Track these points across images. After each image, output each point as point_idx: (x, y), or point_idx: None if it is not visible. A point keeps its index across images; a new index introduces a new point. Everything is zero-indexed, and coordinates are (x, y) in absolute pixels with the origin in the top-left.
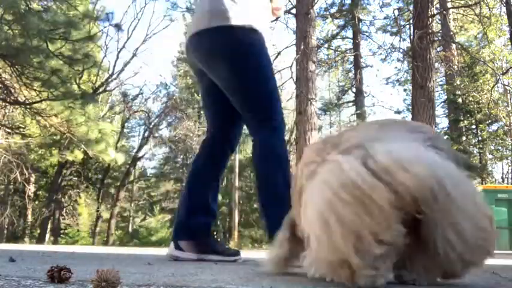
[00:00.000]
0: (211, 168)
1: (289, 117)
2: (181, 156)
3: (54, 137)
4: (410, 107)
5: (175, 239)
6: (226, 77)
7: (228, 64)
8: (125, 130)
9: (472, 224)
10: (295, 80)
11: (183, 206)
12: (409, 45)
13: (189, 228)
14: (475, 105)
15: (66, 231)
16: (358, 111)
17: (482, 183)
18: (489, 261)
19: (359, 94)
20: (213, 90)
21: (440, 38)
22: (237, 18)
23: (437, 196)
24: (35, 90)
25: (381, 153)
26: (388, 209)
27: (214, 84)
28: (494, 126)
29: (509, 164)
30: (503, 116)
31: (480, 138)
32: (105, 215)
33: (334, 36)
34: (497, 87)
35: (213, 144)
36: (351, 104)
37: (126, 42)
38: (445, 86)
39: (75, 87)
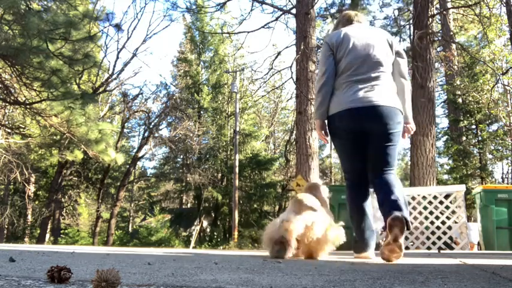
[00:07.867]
0: None
1: (290, 117)
2: (181, 156)
3: (54, 137)
4: None
5: None
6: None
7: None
8: (125, 130)
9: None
10: (295, 80)
11: None
12: (409, 45)
13: None
14: (475, 105)
15: (66, 231)
16: None
17: (482, 183)
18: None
19: None
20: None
21: (440, 38)
22: None
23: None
24: (35, 90)
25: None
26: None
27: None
28: (494, 126)
29: (509, 164)
30: (503, 116)
31: (480, 138)
32: (105, 215)
33: None
34: (497, 87)
35: None
36: None
37: (126, 42)
38: (445, 86)
39: (75, 87)
